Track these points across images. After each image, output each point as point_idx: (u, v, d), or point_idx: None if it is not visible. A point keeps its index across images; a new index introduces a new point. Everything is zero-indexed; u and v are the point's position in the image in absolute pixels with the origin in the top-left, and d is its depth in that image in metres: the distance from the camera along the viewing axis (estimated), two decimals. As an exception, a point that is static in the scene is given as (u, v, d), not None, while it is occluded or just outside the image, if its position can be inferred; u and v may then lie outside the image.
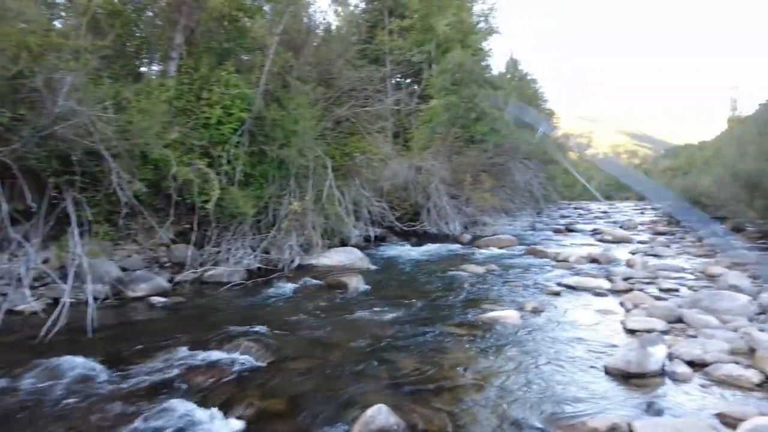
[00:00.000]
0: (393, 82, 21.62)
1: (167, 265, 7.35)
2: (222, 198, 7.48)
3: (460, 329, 4.30)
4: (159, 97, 6.62)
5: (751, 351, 3.45)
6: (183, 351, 3.71)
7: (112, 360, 3.52)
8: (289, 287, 6.55)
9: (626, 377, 3.07)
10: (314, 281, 6.88)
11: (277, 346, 3.89)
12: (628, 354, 3.11)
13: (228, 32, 8.44)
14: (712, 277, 6.17)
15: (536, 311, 4.90)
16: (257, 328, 4.36)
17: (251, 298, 5.98)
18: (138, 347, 3.83)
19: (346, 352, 3.82)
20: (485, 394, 3.03)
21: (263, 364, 3.54)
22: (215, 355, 3.67)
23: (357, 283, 6.42)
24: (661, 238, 10.87)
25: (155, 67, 8.91)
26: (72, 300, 4.75)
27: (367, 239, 11.13)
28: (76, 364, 3.38)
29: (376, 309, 5.17)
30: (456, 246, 11.23)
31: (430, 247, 10.77)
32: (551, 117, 33.21)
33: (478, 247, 10.87)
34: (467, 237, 12.44)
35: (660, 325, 4.04)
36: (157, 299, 5.67)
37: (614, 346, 3.78)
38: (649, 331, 4.01)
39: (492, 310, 4.87)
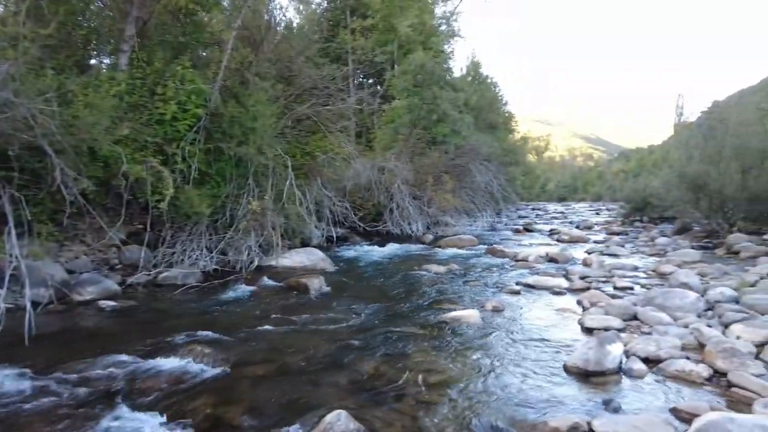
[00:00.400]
0: (356, 82, 21.57)
1: (118, 267, 7.01)
2: (177, 197, 7.20)
3: (422, 330, 4.26)
4: (108, 90, 6.29)
5: (701, 346, 3.57)
6: (131, 358, 3.50)
7: (49, 370, 3.27)
8: (247, 290, 6.36)
9: (585, 375, 3.09)
10: (273, 283, 6.71)
11: (233, 352, 3.73)
12: (587, 353, 3.14)
13: (184, 26, 8.13)
14: (663, 276, 6.39)
15: (497, 310, 4.92)
16: (212, 333, 4.18)
17: (207, 301, 5.76)
18: (80, 355, 3.58)
19: (306, 356, 3.70)
20: (447, 396, 2.99)
21: (218, 371, 3.37)
22: (167, 361, 3.48)
23: (318, 285, 6.29)
24: (616, 238, 11.24)
25: (107, 60, 8.52)
26: (10, 305, 4.43)
27: (329, 240, 10.99)
28: (5, 375, 3.12)
29: (337, 311, 5.08)
30: (418, 246, 11.26)
31: (393, 248, 10.75)
32: (511, 120, 34.00)
33: (440, 247, 10.94)
34: (429, 237, 12.51)
35: (616, 323, 4.12)
36: (106, 303, 5.37)
37: (573, 344, 3.83)
38: (606, 329, 4.09)
39: (453, 310, 4.86)
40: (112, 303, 5.36)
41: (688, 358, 3.23)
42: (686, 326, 3.95)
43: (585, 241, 11.25)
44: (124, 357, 3.51)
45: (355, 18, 17.90)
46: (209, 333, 4.19)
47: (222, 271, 7.25)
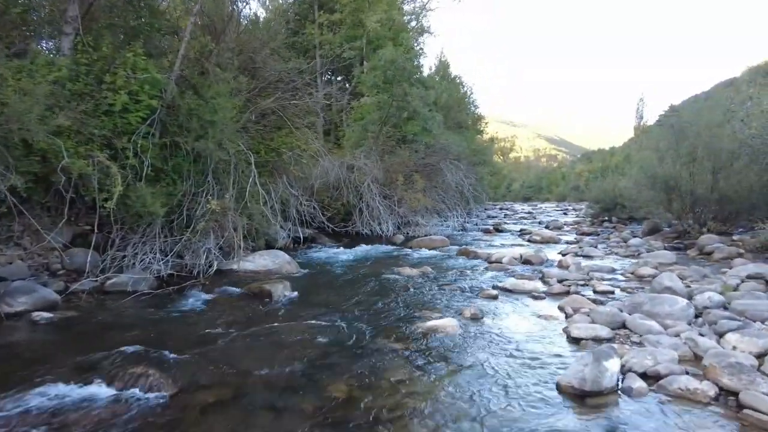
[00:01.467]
0: (325, 78, 21.05)
1: (61, 272, 6.35)
2: (127, 195, 6.61)
3: (396, 343, 3.87)
4: (45, 76, 5.64)
5: (696, 357, 3.33)
6: (57, 386, 2.96)
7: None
8: (203, 297, 5.83)
9: (581, 396, 2.78)
10: (234, 289, 6.20)
11: (181, 373, 3.25)
12: (583, 370, 2.82)
13: (138, 10, 7.48)
14: (642, 278, 6.23)
15: (475, 318, 4.60)
16: (159, 350, 3.67)
17: (158, 310, 5.21)
18: (-1, 381, 3.04)
19: (266, 376, 3.27)
20: (428, 422, 2.62)
21: (162, 399, 2.90)
22: (100, 390, 2.96)
23: (282, 291, 5.83)
24: (588, 239, 11.17)
25: (49, 44, 7.77)
26: None
27: (296, 241, 10.51)
28: None
29: (302, 321, 4.64)
30: (389, 247, 10.90)
31: (363, 249, 10.36)
32: (480, 120, 34.13)
33: (411, 248, 10.62)
34: (400, 238, 12.17)
35: (604, 332, 3.85)
36: (41, 315, 4.74)
37: (561, 357, 3.53)
38: (594, 339, 3.82)
39: (430, 319, 4.50)
40: (47, 315, 4.74)
41: (688, 372, 2.96)
42: (678, 335, 3.71)
43: (556, 241, 11.14)
44: (48, 385, 2.97)
45: (322, 12, 17.38)
46: (155, 350, 3.68)
47: (178, 276, 6.70)
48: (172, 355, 3.59)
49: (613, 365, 2.86)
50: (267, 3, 25.66)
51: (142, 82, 6.76)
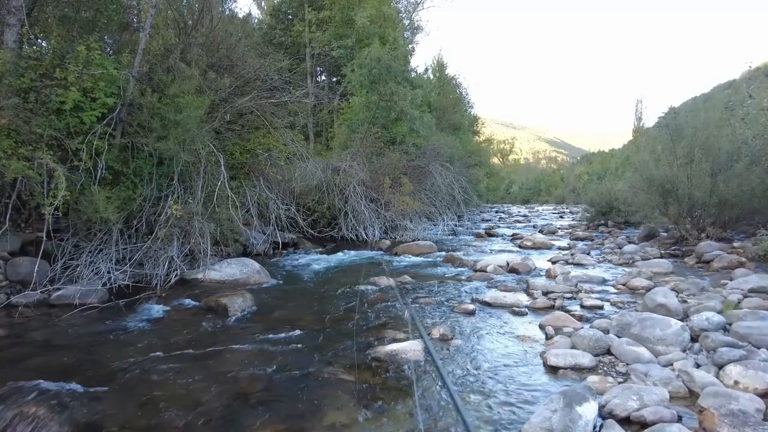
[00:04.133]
0: (317, 79, 20.59)
1: (3, 284, 5.86)
2: (80, 200, 6.14)
3: (347, 373, 3.36)
4: (-22, 70, 5.16)
5: (692, 394, 2.84)
6: None
7: None
8: (156, 311, 5.34)
9: (549, 450, 2.28)
10: (191, 302, 5.71)
11: (80, 412, 2.76)
12: (551, 418, 2.32)
13: (92, 1, 6.98)
14: (635, 290, 5.72)
15: (444, 339, 4.09)
16: (74, 379, 3.18)
17: (99, 327, 4.71)
18: None
19: (182, 417, 2.77)
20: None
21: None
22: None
23: (241, 305, 5.33)
24: (581, 245, 10.66)
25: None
26: None
27: (276, 246, 10.02)
28: None
29: (252, 342, 4.14)
30: (373, 253, 10.40)
31: (345, 255, 9.87)
32: (476, 122, 33.69)
33: (397, 253, 10.12)
34: (386, 243, 11.67)
35: (586, 359, 3.35)
36: (-37, 334, 4.26)
37: (535, 392, 3.03)
38: (574, 368, 3.31)
39: (393, 340, 4.00)
40: (-32, 334, 4.25)
41: (680, 419, 2.46)
42: (670, 364, 3.21)
43: (548, 247, 10.63)
44: None
45: (311, 9, 16.91)
46: (66, 380, 3.18)
47: (136, 288, 6.19)
48: (82, 388, 3.10)
49: (587, 411, 2.35)
50: (262, 3, 25.32)
51: (98, 78, 6.28)
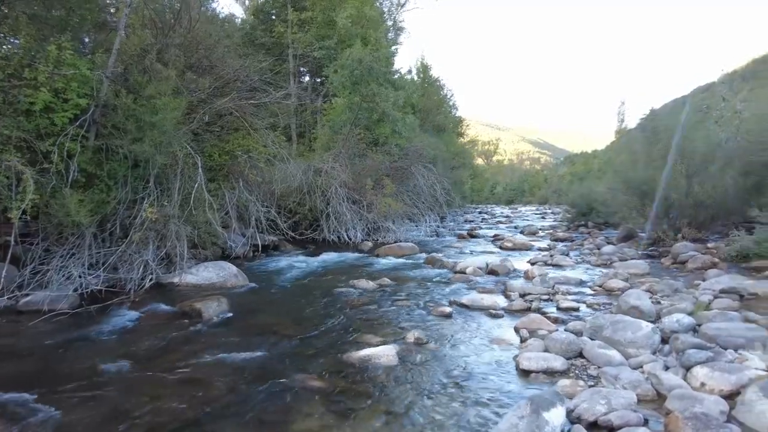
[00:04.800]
0: (302, 80, 20.47)
1: (-30, 289, 5.70)
2: (51, 204, 5.99)
3: (318, 380, 3.31)
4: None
5: (660, 396, 2.86)
6: None
7: None
8: (128, 317, 5.24)
9: (515, 457, 2.27)
10: (165, 307, 5.61)
11: (51, 423, 2.68)
12: (517, 425, 2.31)
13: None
14: (610, 292, 5.77)
15: (419, 343, 4.07)
16: (26, 392, 3.09)
17: (67, 334, 4.60)
18: None
19: (157, 423, 2.71)
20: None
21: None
22: None
23: (216, 309, 5.25)
24: (561, 245, 10.74)
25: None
26: None
27: (256, 249, 9.91)
28: None
29: (224, 349, 4.07)
30: (355, 255, 10.35)
31: (326, 257, 9.80)
32: (460, 123, 33.83)
33: (378, 255, 10.09)
34: (368, 245, 11.63)
35: (558, 363, 3.36)
36: None
37: (507, 395, 3.03)
38: (546, 371, 3.32)
39: (367, 345, 3.97)
40: (-73, 343, 4.12)
41: (647, 423, 2.47)
42: (640, 366, 3.24)
43: (528, 248, 10.70)
44: None
45: (293, 10, 16.81)
46: (30, 391, 3.10)
47: (110, 292, 6.07)
48: (41, 399, 3.01)
49: (555, 417, 2.35)
50: (246, 3, 25.10)
51: (69, 78, 6.14)
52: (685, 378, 2.99)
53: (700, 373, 2.92)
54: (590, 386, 3.05)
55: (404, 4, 21.27)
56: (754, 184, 8.13)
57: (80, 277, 6.19)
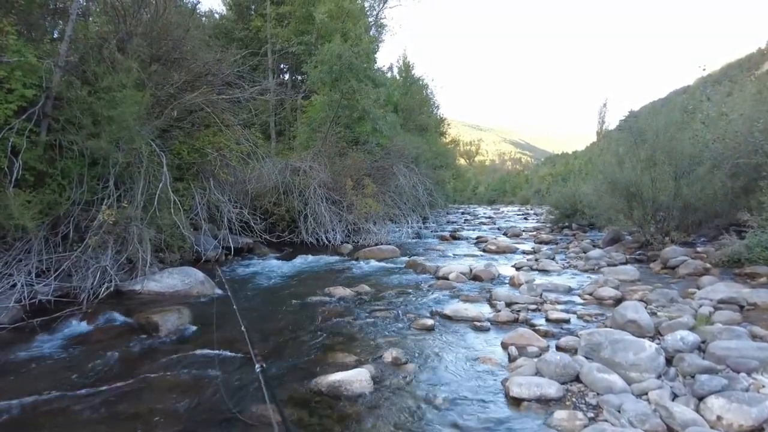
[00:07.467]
0: (285, 75, 19.90)
1: None
2: (-10, 204, 5.42)
3: (279, 414, 2.87)
4: None
5: None
6: None
7: None
8: (77, 331, 4.74)
9: None
10: (121, 318, 5.09)
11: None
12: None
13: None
14: (602, 301, 5.44)
15: (397, 363, 3.65)
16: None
17: (4, 352, 4.07)
18: None
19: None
20: None
21: None
22: None
23: (175, 323, 4.77)
24: (545, 248, 10.44)
25: None
26: None
27: (229, 252, 9.39)
28: None
29: (182, 368, 3.63)
30: (334, 258, 9.90)
31: (303, 261, 9.34)
32: (442, 123, 33.56)
33: (358, 258, 9.66)
34: (348, 247, 11.18)
35: (553, 389, 2.97)
36: None
37: (495, 430, 2.63)
38: (538, 399, 2.94)
39: (338, 368, 3.53)
40: None
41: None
42: (645, 393, 2.87)
43: (513, 251, 10.37)
44: None
45: (271, 3, 16.25)
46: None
47: (62, 302, 5.52)
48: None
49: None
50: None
51: (13, 67, 5.58)
52: (698, 410, 2.63)
53: (715, 404, 2.57)
54: (590, 418, 2.68)
55: (386, 0, 20.88)
56: (742, 186, 7.92)
57: (24, 286, 5.62)
